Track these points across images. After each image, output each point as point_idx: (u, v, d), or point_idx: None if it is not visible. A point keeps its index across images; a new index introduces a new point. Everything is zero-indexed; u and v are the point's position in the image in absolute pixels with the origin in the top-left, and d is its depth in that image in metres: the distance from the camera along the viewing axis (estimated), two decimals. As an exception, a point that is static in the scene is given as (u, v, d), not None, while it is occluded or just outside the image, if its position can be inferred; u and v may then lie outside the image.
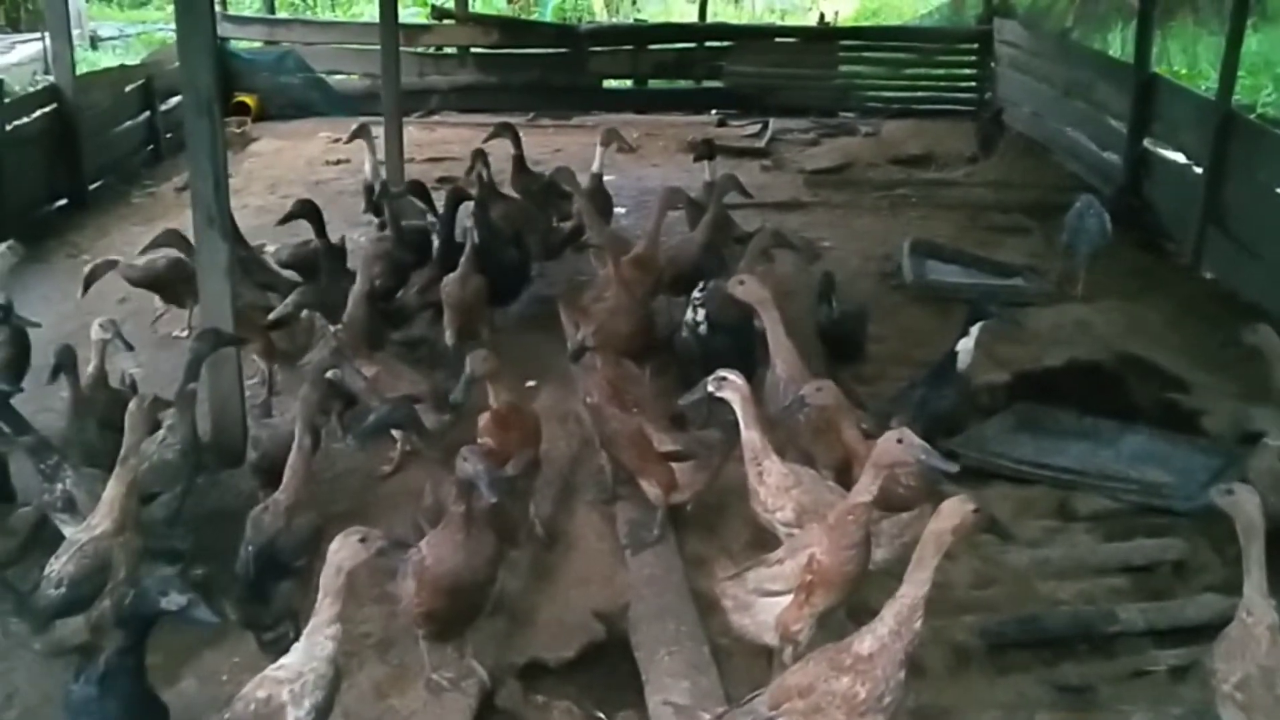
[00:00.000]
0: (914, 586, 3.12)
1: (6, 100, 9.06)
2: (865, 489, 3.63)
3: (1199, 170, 8.88)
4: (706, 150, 8.35)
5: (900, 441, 3.61)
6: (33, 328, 5.55)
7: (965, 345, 5.23)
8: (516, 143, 8.52)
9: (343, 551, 3.30)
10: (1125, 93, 10.12)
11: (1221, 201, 8.42)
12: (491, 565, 3.91)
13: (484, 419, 4.84)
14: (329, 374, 4.93)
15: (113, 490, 3.89)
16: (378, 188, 8.25)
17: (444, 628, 3.93)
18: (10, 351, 5.27)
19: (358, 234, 8.42)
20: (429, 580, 3.77)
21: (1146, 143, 9.91)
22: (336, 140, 12.36)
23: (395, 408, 4.50)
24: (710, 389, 4.24)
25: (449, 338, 6.35)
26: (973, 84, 14.92)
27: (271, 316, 5.89)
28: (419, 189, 7.52)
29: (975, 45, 14.81)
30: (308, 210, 6.95)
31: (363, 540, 3.31)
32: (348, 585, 3.32)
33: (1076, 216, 7.89)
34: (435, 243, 7.07)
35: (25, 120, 9.50)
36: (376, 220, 8.05)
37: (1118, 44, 12.53)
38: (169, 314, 7.07)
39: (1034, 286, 7.96)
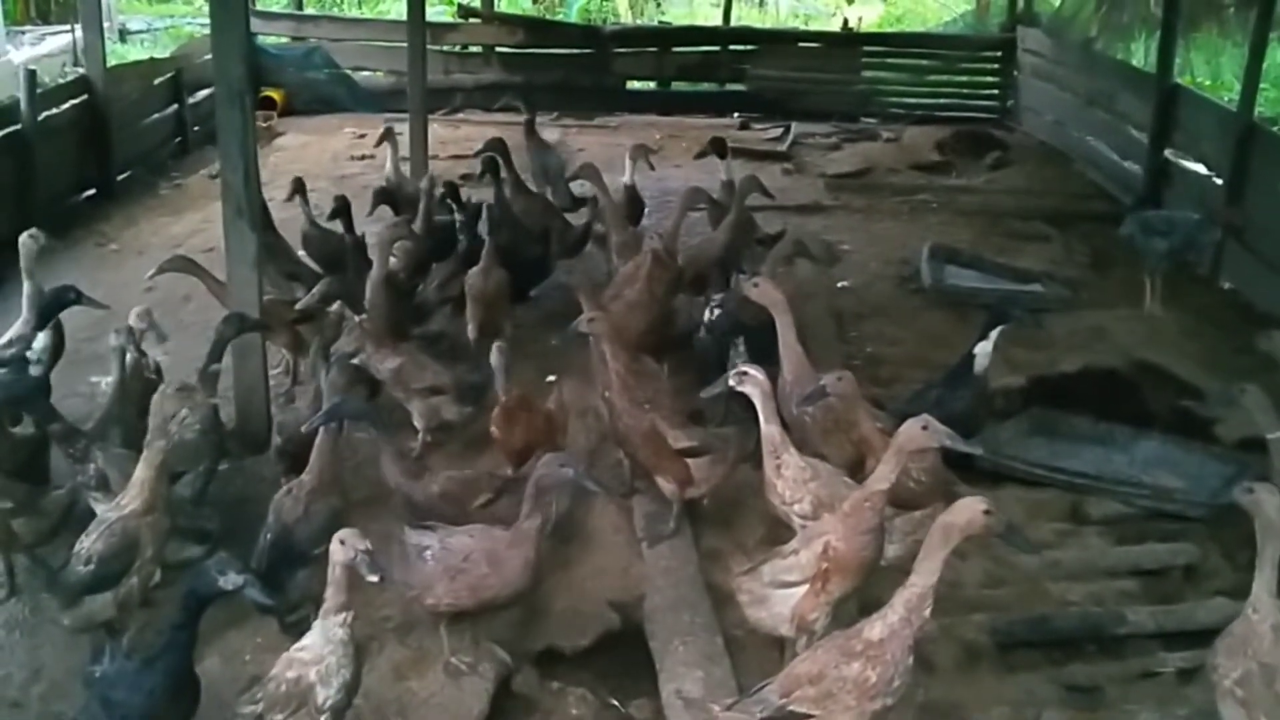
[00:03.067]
0: (923, 576, 3.20)
1: (38, 91, 9.17)
2: (884, 476, 3.70)
3: (1219, 181, 8.89)
4: (716, 148, 8.37)
5: (925, 428, 3.67)
6: (103, 309, 5.62)
7: (983, 349, 5.27)
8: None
9: (333, 546, 3.44)
10: (1147, 103, 10.15)
11: (1242, 213, 8.42)
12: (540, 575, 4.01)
13: (495, 411, 4.96)
14: (355, 360, 5.01)
15: (142, 472, 3.98)
16: (399, 184, 8.30)
17: (464, 619, 4.02)
18: (54, 338, 5.36)
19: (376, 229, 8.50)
20: (485, 596, 3.84)
21: (1167, 153, 9.92)
22: (362, 136, 12.48)
23: (345, 400, 4.46)
24: (731, 383, 4.30)
25: (471, 331, 6.41)
26: (995, 92, 14.96)
27: (298, 308, 5.98)
28: (454, 191, 7.55)
29: (998, 53, 14.86)
30: (344, 206, 7.06)
31: (342, 542, 3.42)
32: (348, 578, 3.42)
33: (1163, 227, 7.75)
34: (460, 240, 7.16)
35: (56, 111, 9.62)
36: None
37: (1141, 54, 12.51)
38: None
39: (1052, 292, 7.99)
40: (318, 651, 3.37)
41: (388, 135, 8.77)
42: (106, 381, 5.21)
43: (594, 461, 5.57)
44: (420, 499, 4.37)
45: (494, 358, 4.93)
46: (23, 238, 5.87)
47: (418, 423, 5.55)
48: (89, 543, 3.89)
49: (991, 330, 5.24)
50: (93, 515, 4.23)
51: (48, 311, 5.21)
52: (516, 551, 3.84)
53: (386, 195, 7.73)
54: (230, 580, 3.32)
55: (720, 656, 4.07)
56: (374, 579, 3.39)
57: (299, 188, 7.50)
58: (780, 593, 3.82)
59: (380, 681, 4.03)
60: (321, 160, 11.76)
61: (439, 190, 7.58)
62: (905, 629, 3.15)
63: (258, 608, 3.46)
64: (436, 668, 4.05)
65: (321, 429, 4.28)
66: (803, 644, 3.74)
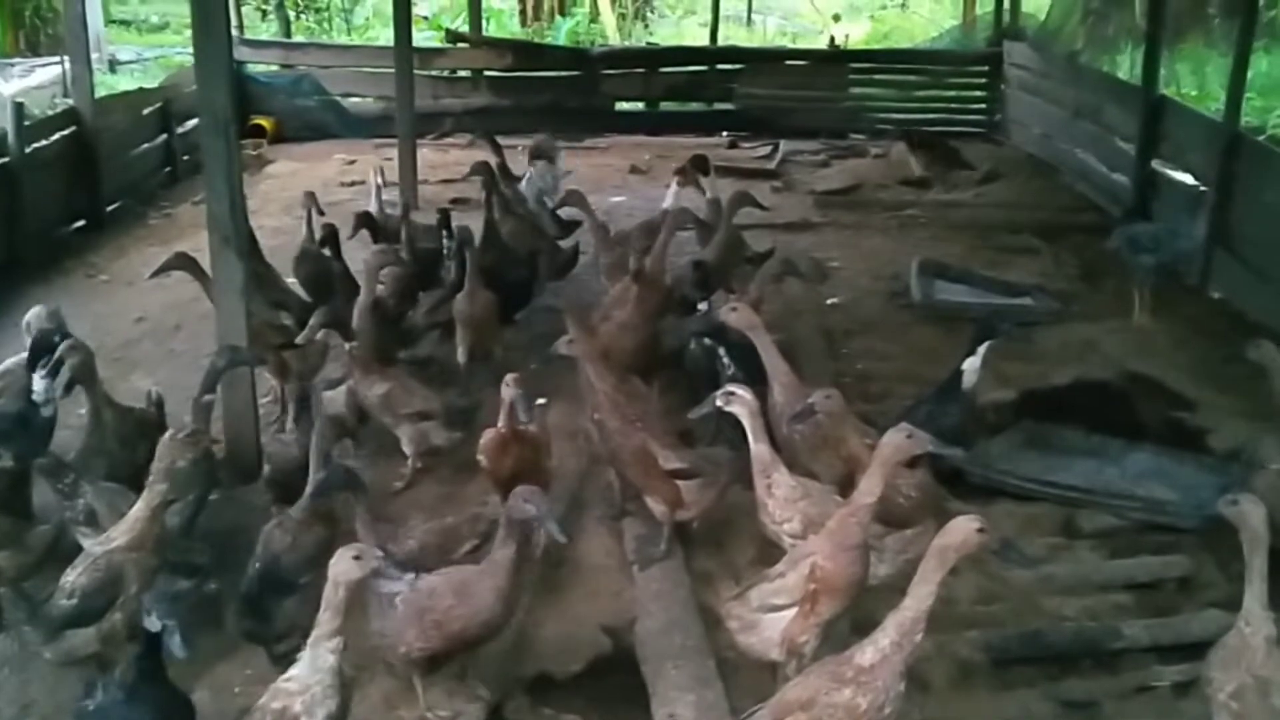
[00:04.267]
0: (917, 600, 3.16)
1: (27, 123, 9.17)
2: (870, 490, 3.68)
3: (1206, 190, 8.91)
4: (697, 167, 8.38)
5: (910, 436, 3.66)
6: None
7: (972, 364, 5.25)
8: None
9: (339, 566, 3.37)
10: (1134, 114, 10.17)
11: (1229, 222, 8.44)
12: (517, 607, 3.94)
13: (485, 438, 4.91)
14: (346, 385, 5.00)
15: (138, 511, 3.98)
16: (382, 214, 8.30)
17: (441, 665, 3.92)
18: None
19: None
20: (456, 630, 3.73)
21: (1155, 164, 9.94)
22: (352, 162, 12.50)
23: (331, 473, 4.35)
24: (719, 403, 4.29)
25: (461, 355, 6.41)
26: (983, 106, 15.01)
27: (298, 340, 5.99)
28: (446, 221, 7.54)
29: (985, 67, 14.91)
30: (332, 234, 7.09)
31: (357, 557, 3.38)
32: (348, 600, 3.37)
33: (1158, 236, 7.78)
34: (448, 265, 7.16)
35: (45, 143, 9.61)
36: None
37: (1127, 66, 12.57)
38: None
39: (1042, 306, 7.99)
40: (304, 680, 3.31)
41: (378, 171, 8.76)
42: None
43: (583, 484, 5.56)
44: (401, 557, 4.31)
45: (508, 391, 4.85)
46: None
47: (406, 448, 5.54)
48: (73, 576, 3.87)
49: (979, 345, 5.23)
50: (79, 550, 4.21)
51: (35, 355, 5.18)
52: (487, 581, 3.75)
53: (368, 219, 7.74)
54: (151, 622, 3.32)
55: (713, 680, 4.03)
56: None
57: (313, 201, 7.56)
58: (769, 617, 3.80)
59: (371, 711, 4.00)
60: (312, 187, 11.65)
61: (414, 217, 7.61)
62: (896, 654, 3.11)
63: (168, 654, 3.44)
64: (427, 696, 4.02)
65: (316, 460, 4.27)
66: (793, 668, 3.72)
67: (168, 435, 4.19)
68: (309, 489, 4.37)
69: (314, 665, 3.33)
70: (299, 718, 3.25)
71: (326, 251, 7.12)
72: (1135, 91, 10.40)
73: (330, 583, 3.36)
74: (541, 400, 6.21)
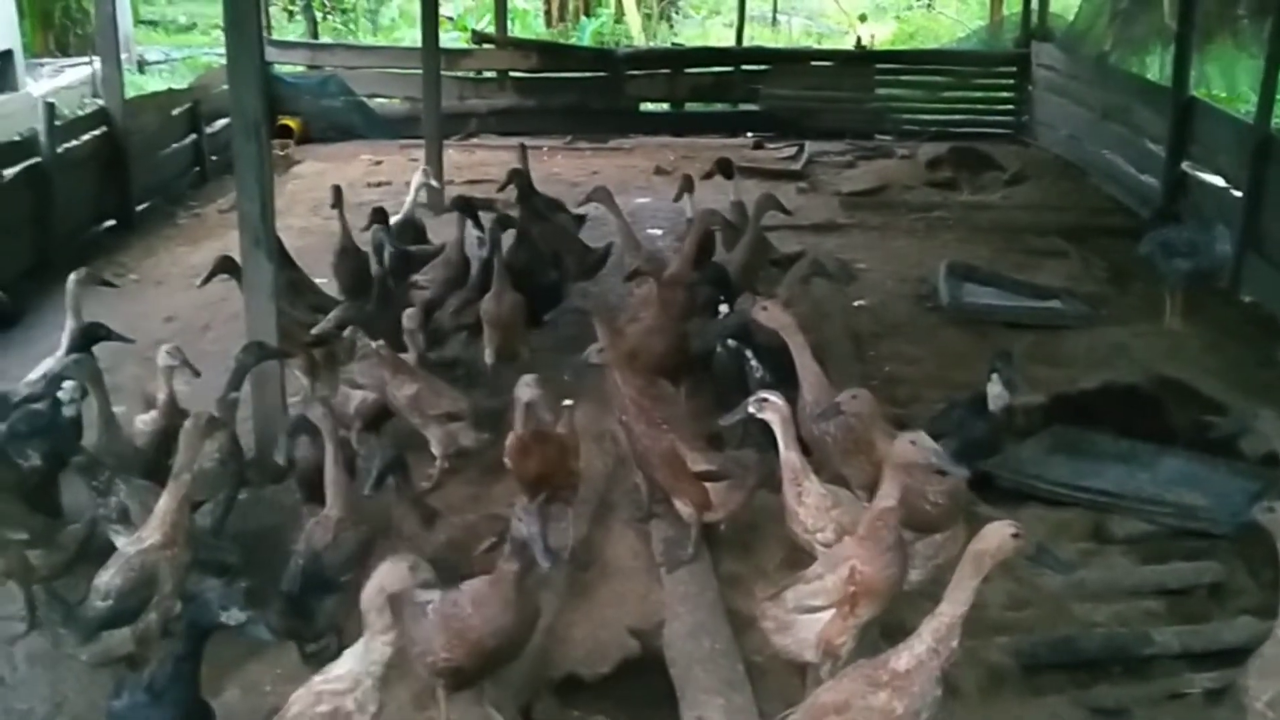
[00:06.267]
0: (953, 605, 3.15)
1: (57, 124, 9.25)
2: (888, 494, 3.68)
3: (1238, 194, 8.85)
4: (722, 169, 8.38)
5: (914, 443, 3.66)
6: (129, 343, 5.70)
7: (994, 390, 5.22)
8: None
9: (390, 574, 3.34)
10: (1163, 116, 10.12)
11: (1260, 225, 8.37)
12: (535, 622, 3.90)
13: (509, 441, 4.91)
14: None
15: (164, 504, 3.99)
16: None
17: (467, 681, 3.90)
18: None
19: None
20: (471, 639, 3.71)
21: (1185, 166, 9.88)
22: (378, 163, 12.55)
23: (389, 457, 4.50)
24: (751, 410, 4.27)
25: (488, 357, 6.42)
26: (1010, 107, 14.95)
27: (314, 332, 5.99)
28: (472, 212, 7.53)
29: (1013, 68, 14.88)
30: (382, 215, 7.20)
31: (412, 568, 3.35)
32: (388, 605, 3.35)
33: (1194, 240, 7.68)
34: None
35: (75, 143, 9.69)
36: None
37: (1156, 67, 12.48)
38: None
39: (1071, 309, 7.95)
40: (354, 676, 3.27)
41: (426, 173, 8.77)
42: (143, 419, 5.24)
43: (610, 486, 5.56)
44: (428, 550, 4.32)
45: (525, 393, 4.83)
46: (73, 277, 5.93)
47: (435, 449, 5.55)
48: (107, 577, 3.89)
49: (992, 374, 5.20)
50: (110, 549, 4.24)
51: (77, 349, 5.24)
52: (495, 591, 3.74)
53: (381, 215, 7.80)
54: (233, 616, 3.27)
55: (741, 683, 4.03)
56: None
57: (339, 196, 7.57)
58: (805, 618, 3.79)
59: (400, 713, 4.01)
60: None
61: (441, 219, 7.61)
62: (933, 660, 3.11)
63: (257, 640, 3.42)
64: (457, 699, 4.02)
65: (332, 465, 4.29)
66: (827, 669, 3.71)
67: (188, 423, 4.19)
68: (372, 476, 4.40)
69: (366, 658, 3.29)
70: (351, 715, 3.23)
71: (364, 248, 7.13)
72: (1165, 93, 10.34)
73: (375, 585, 3.33)
74: (568, 402, 6.24)
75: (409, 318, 5.95)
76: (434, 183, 8.64)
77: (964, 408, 5.36)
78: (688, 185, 8.33)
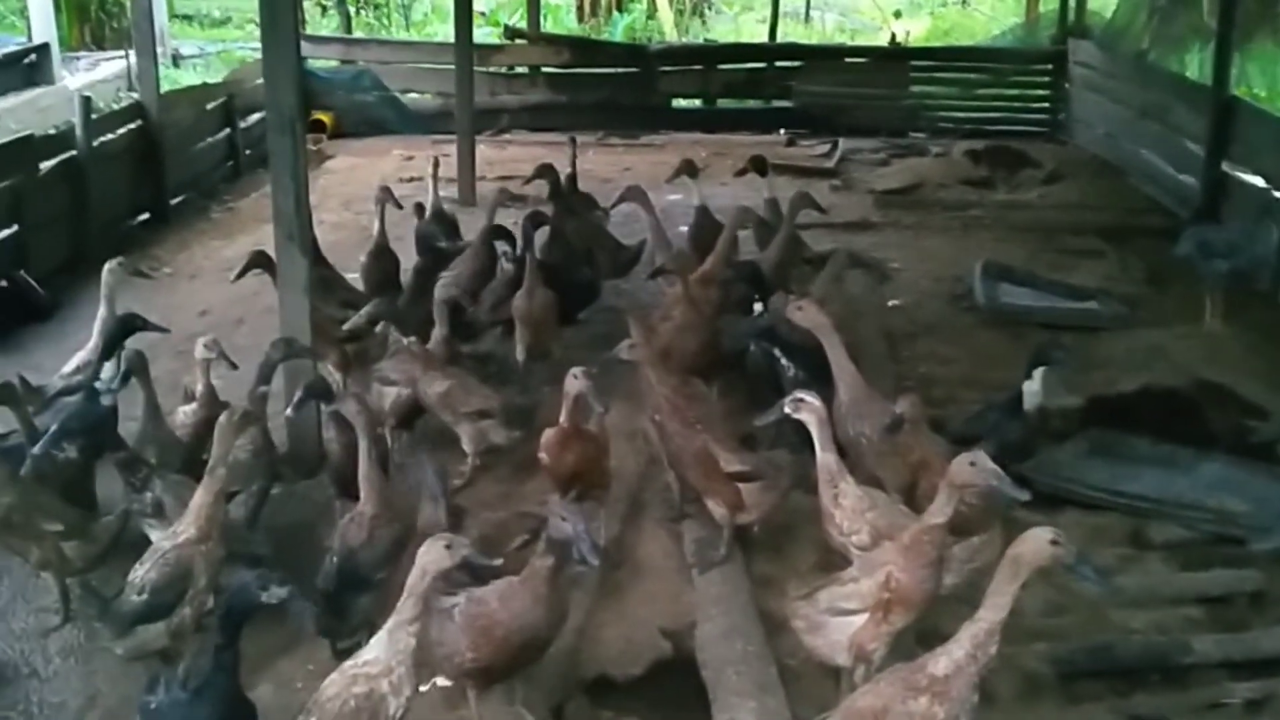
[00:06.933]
0: (992, 611, 3.11)
1: (93, 117, 9.31)
2: (940, 510, 3.63)
3: (1279, 195, 8.71)
4: (756, 166, 8.34)
5: (973, 464, 3.61)
6: (164, 333, 5.72)
7: (1030, 388, 5.18)
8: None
9: (429, 555, 3.35)
10: (1202, 115, 9.97)
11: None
12: (562, 621, 3.88)
13: (546, 434, 4.89)
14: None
15: (200, 498, 4.00)
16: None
17: (495, 680, 3.89)
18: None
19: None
20: (499, 636, 3.69)
21: (1224, 166, 9.75)
22: (410, 158, 12.57)
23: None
24: (787, 410, 4.24)
25: (519, 354, 6.41)
26: (1046, 105, 14.81)
27: (345, 328, 6.00)
28: (500, 229, 7.52)
29: (1049, 66, 14.72)
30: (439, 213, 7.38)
31: (449, 547, 3.36)
32: (432, 589, 3.37)
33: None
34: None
35: (111, 136, 9.76)
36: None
37: (1195, 66, 12.34)
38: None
39: (1108, 310, 7.86)
40: (386, 662, 3.28)
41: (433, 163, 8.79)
42: (184, 410, 5.27)
43: (642, 486, 5.54)
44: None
45: (575, 384, 4.76)
46: (109, 266, 5.98)
47: (466, 446, 5.54)
48: (143, 571, 3.90)
49: (1035, 370, 5.14)
50: (143, 541, 4.26)
51: (114, 339, 5.26)
52: (525, 587, 3.72)
53: (422, 210, 7.82)
54: (274, 594, 3.26)
55: (774, 686, 3.99)
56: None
57: (389, 196, 7.61)
58: (837, 620, 3.76)
59: (432, 709, 4.00)
60: (370, 182, 11.71)
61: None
62: (971, 665, 3.07)
63: (303, 617, 3.41)
64: (488, 696, 4.01)
65: (366, 462, 4.29)
66: (860, 674, 3.68)
67: (222, 418, 4.21)
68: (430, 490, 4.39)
69: (394, 647, 3.29)
70: (386, 698, 3.23)
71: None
72: (1204, 91, 10.20)
73: (419, 570, 3.33)
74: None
75: (442, 288, 5.95)
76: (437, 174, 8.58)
77: (999, 409, 5.32)
78: (688, 170, 8.30)
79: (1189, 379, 6.44)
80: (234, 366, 5.43)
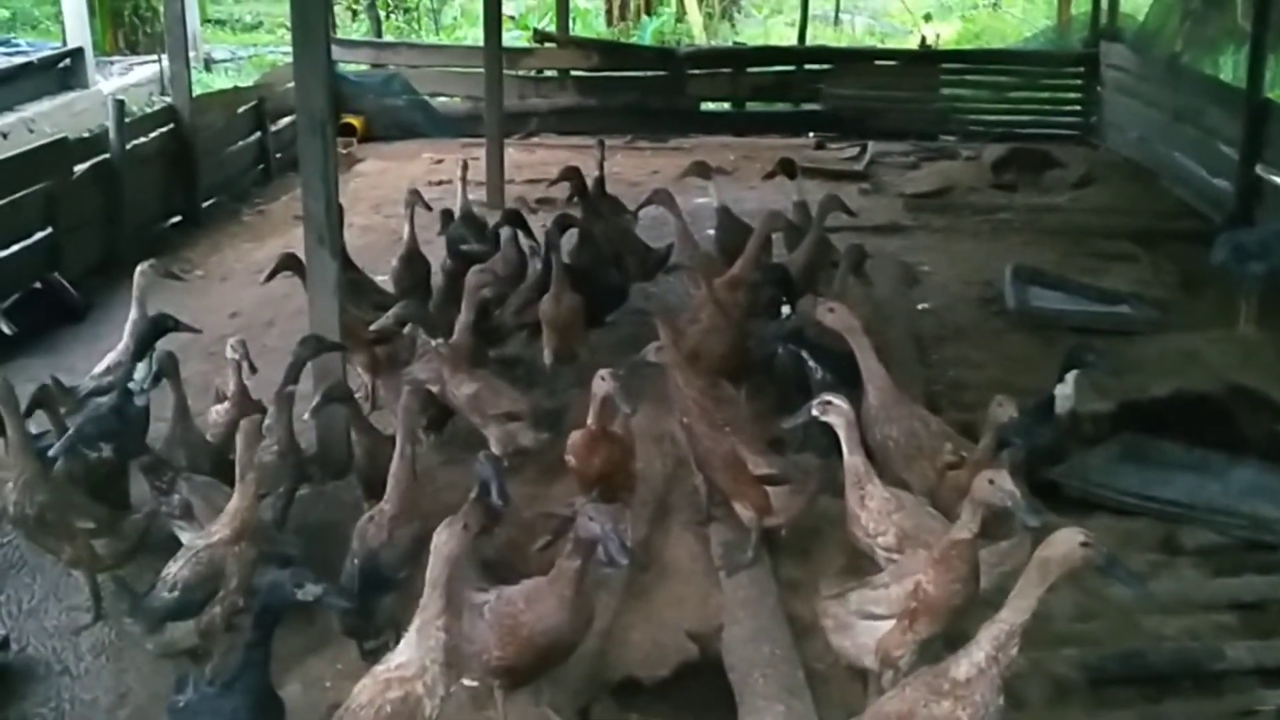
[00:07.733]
0: (1014, 613, 3.09)
1: (126, 121, 9.40)
2: (965, 525, 3.61)
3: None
4: (785, 169, 8.33)
5: (992, 482, 3.58)
6: (196, 333, 5.75)
7: (1063, 392, 5.14)
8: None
9: (444, 538, 3.34)
10: (1237, 118, 9.88)
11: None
12: (589, 623, 3.87)
13: (574, 437, 4.88)
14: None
15: (236, 503, 4.04)
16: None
17: (521, 680, 3.89)
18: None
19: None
20: (524, 636, 3.69)
21: (1259, 169, 9.64)
22: (439, 161, 12.61)
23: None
24: (815, 412, 4.22)
25: (547, 356, 6.41)
26: (1078, 108, 14.71)
27: (373, 329, 6.02)
28: (521, 222, 7.53)
29: (1081, 69, 14.60)
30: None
31: (465, 527, 3.36)
32: (451, 575, 3.35)
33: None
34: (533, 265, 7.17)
35: (144, 140, 9.86)
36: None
37: (1229, 68, 12.22)
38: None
39: (1140, 314, 7.79)
40: (420, 662, 3.27)
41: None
42: (216, 410, 5.32)
43: (669, 488, 5.53)
44: (490, 552, 4.30)
45: (603, 386, 4.73)
46: (141, 267, 6.04)
47: (495, 449, 5.54)
48: (175, 569, 3.94)
49: (1067, 374, 5.10)
50: (172, 542, 4.29)
51: (146, 339, 5.28)
52: (552, 588, 3.70)
53: (450, 216, 7.84)
54: (309, 591, 3.28)
55: (801, 690, 3.98)
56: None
57: (419, 199, 7.62)
58: (865, 623, 3.76)
59: (459, 711, 4.01)
60: (400, 186, 11.71)
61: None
62: (992, 667, 3.05)
63: (338, 611, 3.42)
64: (515, 698, 4.01)
65: (399, 460, 4.29)
66: (887, 679, 3.66)
67: (244, 423, 4.23)
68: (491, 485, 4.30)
69: (424, 645, 3.28)
70: (422, 700, 3.22)
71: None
72: (1238, 94, 10.10)
73: (439, 558, 3.33)
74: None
75: (475, 273, 6.01)
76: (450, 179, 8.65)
77: (1030, 414, 5.27)
78: (698, 170, 8.28)
79: (1222, 383, 6.36)
80: (254, 370, 5.45)
